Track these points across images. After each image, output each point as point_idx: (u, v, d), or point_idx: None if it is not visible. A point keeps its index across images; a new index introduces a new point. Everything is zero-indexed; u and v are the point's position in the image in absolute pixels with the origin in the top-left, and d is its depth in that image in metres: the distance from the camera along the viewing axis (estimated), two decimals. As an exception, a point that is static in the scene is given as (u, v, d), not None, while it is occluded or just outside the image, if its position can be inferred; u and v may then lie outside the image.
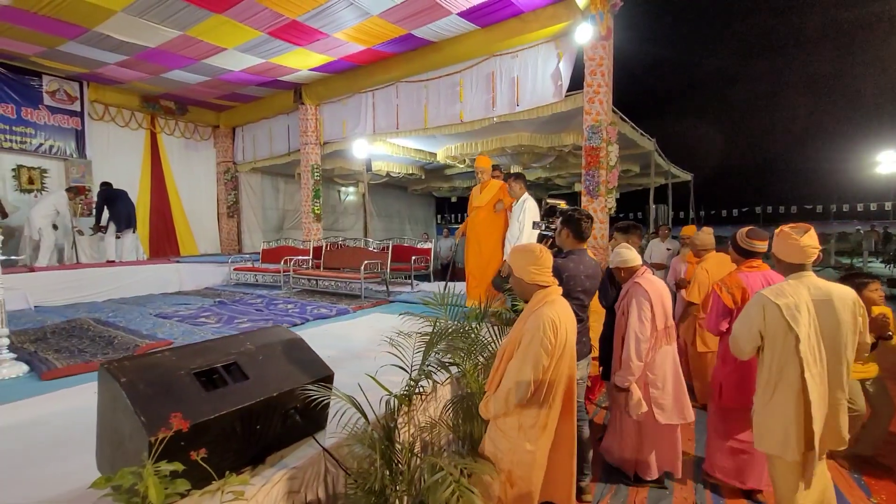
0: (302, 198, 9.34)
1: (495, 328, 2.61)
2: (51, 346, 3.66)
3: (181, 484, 1.24)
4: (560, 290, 1.95)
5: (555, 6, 5.72)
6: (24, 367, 3.09)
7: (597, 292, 2.73)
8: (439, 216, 19.24)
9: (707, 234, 4.01)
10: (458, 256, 7.48)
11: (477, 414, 2.13)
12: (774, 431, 1.97)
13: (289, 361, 1.94)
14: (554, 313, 1.82)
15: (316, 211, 9.16)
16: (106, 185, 7.73)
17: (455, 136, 8.26)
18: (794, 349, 1.88)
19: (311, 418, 1.92)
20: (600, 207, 5.64)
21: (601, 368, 3.05)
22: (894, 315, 2.68)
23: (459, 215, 19.33)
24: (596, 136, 5.68)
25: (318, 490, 1.85)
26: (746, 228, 2.71)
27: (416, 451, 2.08)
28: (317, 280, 6.93)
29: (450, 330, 2.22)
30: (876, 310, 2.65)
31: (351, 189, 14.01)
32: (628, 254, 2.70)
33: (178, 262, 8.13)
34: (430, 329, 2.34)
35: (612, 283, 2.88)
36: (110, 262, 7.34)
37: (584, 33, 5.48)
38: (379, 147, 9.16)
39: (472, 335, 2.38)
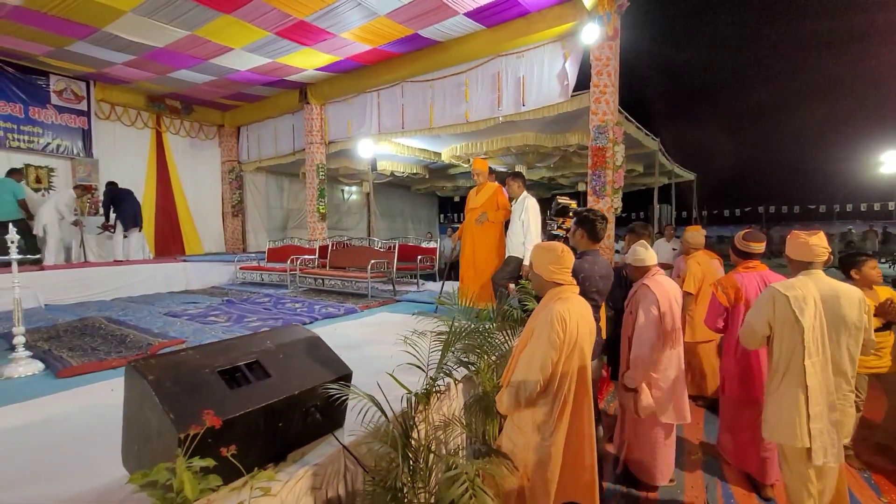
0: (306, 197, 9.38)
1: (508, 329, 2.63)
2: (64, 344, 3.70)
3: (213, 479, 1.26)
4: (576, 289, 1.97)
5: (561, 6, 5.74)
6: (40, 365, 3.12)
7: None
8: (442, 216, 19.26)
9: (699, 235, 4.23)
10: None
11: (492, 413, 2.15)
12: (783, 419, 2.04)
13: (309, 360, 1.97)
14: (564, 309, 1.84)
15: (321, 210, 9.20)
16: (112, 185, 7.77)
17: (460, 136, 8.29)
18: (801, 339, 1.97)
19: (331, 416, 1.95)
20: (606, 207, 5.67)
21: (608, 369, 3.07)
22: None
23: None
24: (602, 137, 5.70)
25: (338, 487, 1.88)
26: (744, 231, 2.84)
27: (432, 448, 2.11)
28: (323, 279, 6.96)
29: (468, 329, 2.24)
30: (882, 292, 2.73)
31: (354, 188, 14.04)
32: (645, 253, 2.73)
33: (184, 261, 8.16)
34: (442, 328, 2.37)
35: (619, 284, 2.90)
36: (117, 261, 7.38)
37: (591, 34, 5.49)
38: (384, 146, 9.18)
39: (488, 335, 2.40)
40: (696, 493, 2.70)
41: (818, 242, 2.09)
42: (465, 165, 10.16)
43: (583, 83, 5.95)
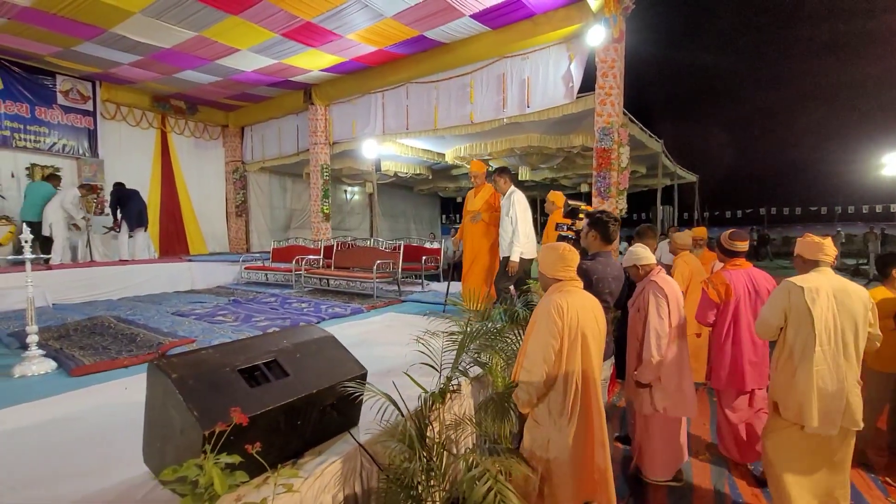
0: (310, 197, 9.41)
1: (518, 329, 2.65)
2: (75, 343, 3.73)
3: (240, 475, 1.29)
4: (579, 283, 2.04)
5: (567, 9, 5.76)
6: (53, 364, 3.15)
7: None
8: (444, 216, 19.30)
9: (687, 236, 4.43)
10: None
11: (505, 413, 2.18)
12: (798, 402, 2.19)
13: (325, 359, 1.99)
14: (561, 299, 1.92)
15: (325, 210, 9.22)
16: (119, 185, 7.80)
17: (464, 137, 8.31)
18: (812, 328, 2.14)
19: (347, 415, 1.98)
20: (611, 209, 5.69)
21: (614, 368, 3.09)
22: None
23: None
24: (607, 138, 5.73)
25: (354, 484, 1.90)
26: (729, 231, 3.02)
27: (446, 447, 2.13)
28: (328, 279, 6.98)
29: (483, 330, 2.27)
30: None
31: (356, 188, 14.08)
32: (644, 252, 2.78)
33: (189, 260, 8.19)
34: (453, 328, 2.39)
35: (625, 284, 2.93)
36: (123, 261, 7.41)
37: (597, 36, 5.52)
38: (387, 147, 9.21)
39: (498, 334, 2.43)
40: (705, 492, 2.72)
41: (828, 245, 2.29)
42: (469, 166, 10.18)
43: (588, 85, 5.98)
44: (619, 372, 3.05)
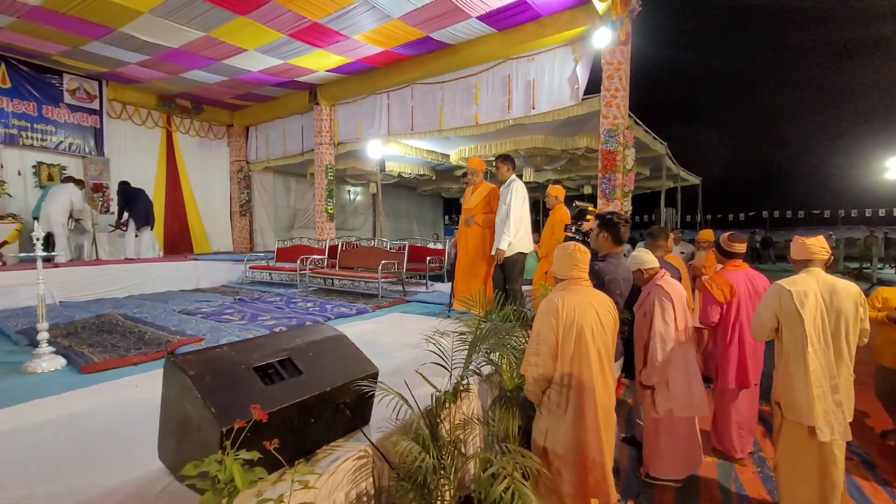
0: (314, 197, 9.43)
1: (527, 330, 2.67)
2: (83, 340, 3.75)
3: (259, 471, 1.30)
4: (583, 282, 2.09)
5: (573, 10, 5.78)
6: (63, 361, 3.17)
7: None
8: (447, 217, 19.32)
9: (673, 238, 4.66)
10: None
11: (515, 412, 2.19)
12: (798, 401, 2.25)
13: (338, 357, 2.01)
14: (560, 296, 2.00)
15: (329, 210, 9.25)
16: (125, 184, 7.84)
17: (469, 138, 8.33)
18: (803, 329, 2.21)
19: (359, 413, 1.99)
20: (617, 210, 5.70)
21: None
22: None
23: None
24: (613, 140, 5.74)
25: (366, 482, 1.91)
26: (727, 233, 3.08)
27: (456, 445, 2.15)
28: (333, 279, 7.00)
29: (495, 330, 2.28)
30: None
31: (359, 189, 14.10)
32: (647, 255, 2.80)
33: (194, 259, 8.22)
34: (462, 329, 2.41)
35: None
36: (129, 259, 7.44)
37: (603, 38, 5.53)
38: (392, 148, 9.24)
39: (508, 334, 2.44)
40: (713, 490, 2.73)
41: (815, 243, 2.34)
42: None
43: (593, 87, 5.99)
44: (629, 373, 3.07)
